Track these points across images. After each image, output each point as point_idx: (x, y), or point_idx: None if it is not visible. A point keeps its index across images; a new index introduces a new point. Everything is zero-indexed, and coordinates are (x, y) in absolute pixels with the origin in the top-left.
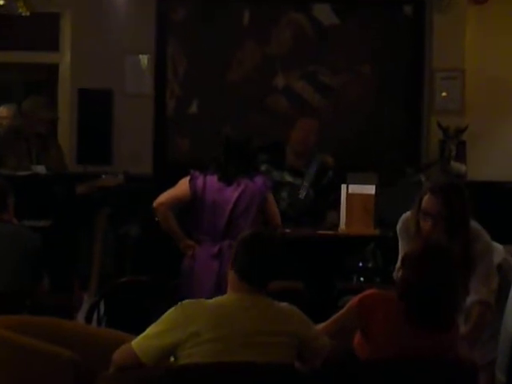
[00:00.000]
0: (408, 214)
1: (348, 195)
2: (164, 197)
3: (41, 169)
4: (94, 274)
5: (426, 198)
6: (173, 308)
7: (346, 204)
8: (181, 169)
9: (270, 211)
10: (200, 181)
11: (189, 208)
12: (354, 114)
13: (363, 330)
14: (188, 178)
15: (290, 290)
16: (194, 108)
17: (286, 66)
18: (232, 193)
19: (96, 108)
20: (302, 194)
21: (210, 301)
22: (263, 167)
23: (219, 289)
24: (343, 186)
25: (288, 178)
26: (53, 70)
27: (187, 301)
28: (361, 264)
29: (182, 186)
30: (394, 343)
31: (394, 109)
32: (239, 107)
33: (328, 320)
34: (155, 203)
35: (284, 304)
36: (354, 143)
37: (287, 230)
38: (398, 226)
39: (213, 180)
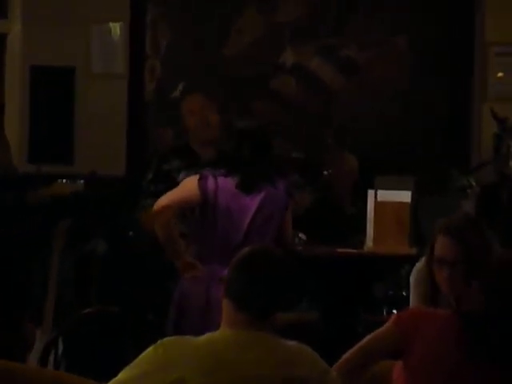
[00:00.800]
0: (421, 264)
1: (376, 204)
2: (169, 198)
3: None
4: (49, 305)
5: (438, 240)
6: (151, 347)
7: (375, 215)
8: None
9: (284, 226)
10: (211, 182)
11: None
12: (384, 100)
13: (404, 358)
14: (196, 177)
15: (301, 324)
16: (178, 92)
17: (296, 39)
18: (251, 200)
19: (53, 91)
20: None
21: (199, 338)
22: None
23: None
24: (370, 193)
25: None
26: None
27: (169, 338)
28: (392, 292)
29: (189, 187)
30: (444, 371)
31: (435, 94)
32: (236, 91)
33: (351, 349)
34: (157, 205)
35: (293, 343)
36: (384, 137)
37: (299, 248)
38: (411, 279)
39: (227, 183)
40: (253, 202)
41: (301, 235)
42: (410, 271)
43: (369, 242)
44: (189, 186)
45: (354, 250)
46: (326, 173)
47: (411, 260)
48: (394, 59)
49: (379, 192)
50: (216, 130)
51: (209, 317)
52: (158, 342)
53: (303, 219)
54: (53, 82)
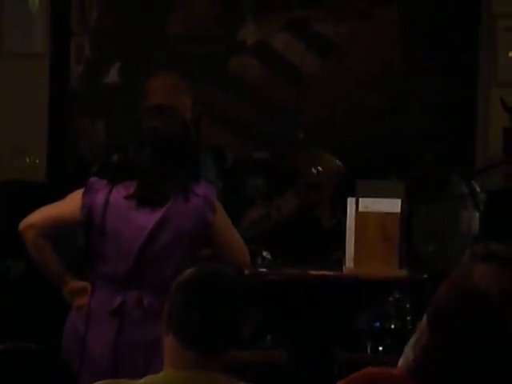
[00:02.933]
0: None
1: (358, 215)
2: (37, 216)
3: None
4: None
5: (477, 271)
6: None
7: (356, 229)
8: (92, 171)
9: (222, 242)
10: (100, 196)
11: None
12: (367, 87)
13: None
14: (82, 190)
15: (264, 364)
16: (113, 76)
17: (259, 10)
18: (148, 218)
19: None
20: None
21: (137, 382)
22: None
23: (117, 367)
24: (350, 201)
25: None
26: None
27: (103, 382)
28: (378, 324)
29: (71, 202)
30: None
31: (431, 77)
32: (185, 74)
33: None
34: (22, 224)
35: None
36: (368, 132)
37: (262, 270)
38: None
39: (119, 195)
40: (149, 221)
41: (265, 254)
42: (401, 299)
43: (349, 262)
44: (71, 200)
45: (331, 272)
46: (315, 171)
47: (401, 284)
48: (380, 36)
49: (361, 200)
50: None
51: (88, 353)
52: None
53: (267, 234)
54: None
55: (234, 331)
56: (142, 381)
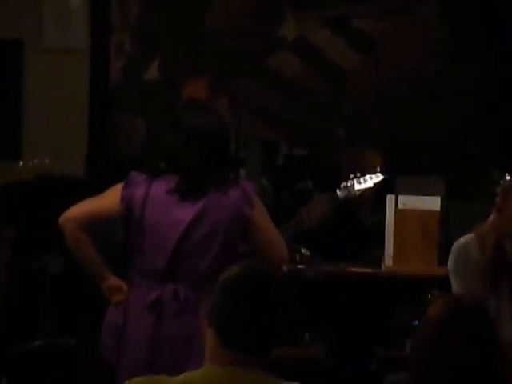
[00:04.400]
0: (468, 238)
1: (397, 212)
2: (77, 209)
3: None
4: None
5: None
6: None
7: (395, 226)
8: (131, 166)
9: (260, 239)
10: (141, 190)
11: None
12: (407, 83)
13: None
14: (122, 184)
15: (303, 361)
16: (153, 72)
17: (299, 7)
18: (187, 212)
19: None
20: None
21: (176, 379)
22: None
23: (155, 361)
24: (390, 198)
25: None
26: None
27: (138, 379)
28: (416, 321)
29: (111, 196)
30: None
31: (470, 72)
32: (225, 70)
33: None
34: (62, 217)
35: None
36: (407, 128)
37: (300, 267)
38: (452, 259)
39: (159, 189)
40: (188, 214)
41: (303, 251)
42: (439, 296)
43: (388, 260)
44: (111, 194)
45: (370, 270)
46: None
47: (440, 282)
48: (419, 31)
49: (401, 197)
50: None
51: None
52: (125, 382)
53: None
54: None
55: (276, 331)
56: (180, 376)
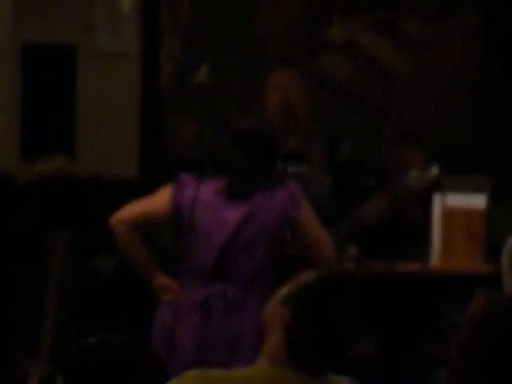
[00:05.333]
0: None
1: (444, 210)
2: (128, 210)
3: None
4: (46, 333)
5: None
6: (173, 381)
7: (442, 224)
8: (183, 167)
9: (307, 239)
10: (190, 191)
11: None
12: (453, 84)
13: None
14: (172, 186)
15: (354, 356)
16: (203, 74)
17: (347, 10)
18: (235, 212)
19: (50, 74)
20: (314, 184)
21: (231, 373)
22: None
23: (204, 359)
24: (436, 196)
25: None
26: None
27: (194, 373)
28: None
29: (161, 198)
30: None
31: None
32: (273, 73)
33: None
34: (112, 218)
35: (344, 380)
36: (453, 127)
37: (348, 265)
38: (506, 258)
39: (208, 191)
40: (236, 215)
41: (352, 249)
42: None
43: (435, 257)
44: (161, 196)
45: (417, 267)
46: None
47: (487, 279)
48: (467, 33)
49: (448, 195)
50: (299, 116)
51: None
52: (182, 375)
53: (354, 229)
54: (49, 62)
55: (344, 350)
56: (239, 371)
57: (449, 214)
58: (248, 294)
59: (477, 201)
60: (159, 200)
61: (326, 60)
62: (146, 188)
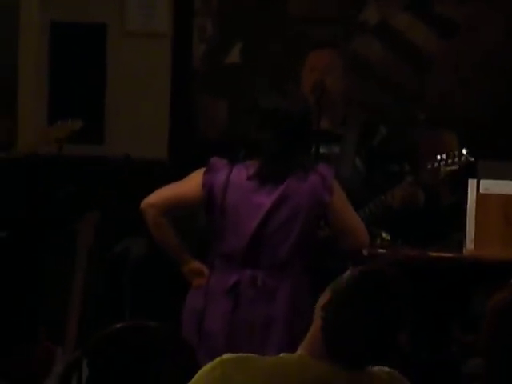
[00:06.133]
0: None
1: (479, 197)
2: (158, 195)
3: None
4: (72, 318)
5: None
6: (207, 366)
7: (477, 210)
8: (214, 150)
9: (340, 224)
10: (222, 175)
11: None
12: (490, 69)
13: None
14: (203, 170)
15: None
16: (235, 56)
17: None
18: (266, 197)
19: (79, 53)
20: (346, 167)
21: (267, 359)
22: None
23: (232, 344)
24: (471, 182)
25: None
26: None
27: (230, 356)
28: None
29: (192, 182)
30: None
31: None
32: (306, 55)
33: None
34: (143, 203)
35: (378, 369)
36: (490, 114)
37: (381, 251)
38: None
39: (240, 175)
40: (268, 199)
41: (384, 235)
42: None
43: (469, 244)
44: (192, 180)
45: (451, 254)
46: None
47: None
48: (502, 17)
49: (482, 182)
50: (334, 98)
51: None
52: (217, 360)
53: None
54: (79, 42)
55: (385, 348)
56: (273, 358)
57: (484, 200)
58: (279, 281)
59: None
60: (190, 184)
61: (360, 42)
62: (177, 170)
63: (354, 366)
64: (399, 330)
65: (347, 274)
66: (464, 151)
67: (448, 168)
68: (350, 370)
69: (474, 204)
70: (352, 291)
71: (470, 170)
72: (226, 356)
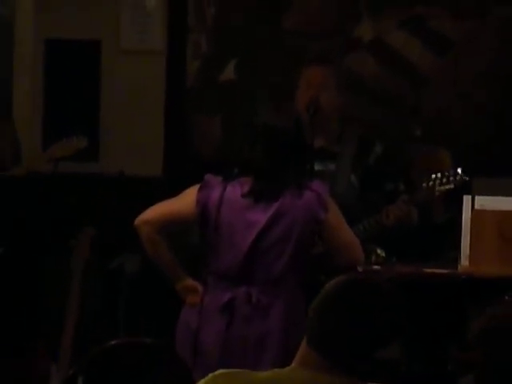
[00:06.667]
0: None
1: (474, 213)
2: (153, 211)
3: None
4: (67, 334)
5: None
6: (201, 382)
7: (471, 227)
8: (209, 167)
9: (335, 240)
10: (216, 193)
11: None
12: (484, 86)
13: None
14: (197, 187)
15: (380, 361)
16: (229, 72)
17: (375, 7)
18: (261, 214)
19: (74, 71)
20: (341, 184)
21: (260, 374)
22: None
23: (227, 361)
24: (466, 199)
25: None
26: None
27: (223, 372)
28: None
29: (186, 199)
30: None
31: None
32: (299, 71)
33: None
34: (137, 220)
35: None
36: (484, 131)
37: (376, 267)
38: None
39: (234, 192)
40: (262, 216)
41: (379, 251)
42: None
43: (464, 261)
44: (186, 197)
45: (446, 270)
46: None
47: None
48: (497, 34)
49: (478, 198)
50: (329, 115)
51: (199, 347)
52: (210, 375)
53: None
54: (73, 59)
55: (370, 345)
56: (266, 373)
57: (479, 217)
58: (273, 297)
59: (508, 203)
60: (185, 201)
61: (354, 58)
62: (171, 186)
63: (341, 370)
64: (384, 339)
65: (335, 280)
66: (459, 170)
67: (443, 187)
68: (341, 378)
69: (469, 220)
70: (335, 296)
71: (465, 187)
72: (218, 372)
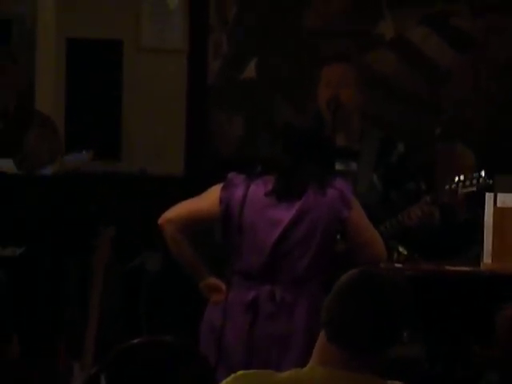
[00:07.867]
0: None
1: (496, 210)
2: (176, 210)
3: (6, 164)
4: (89, 333)
5: None
6: (222, 382)
7: (494, 224)
8: (230, 166)
9: (358, 238)
10: (239, 191)
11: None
12: (506, 82)
13: None
14: (221, 186)
15: (403, 360)
16: (250, 71)
17: (396, 5)
18: (284, 212)
19: (95, 70)
20: (363, 184)
21: (280, 375)
22: None
23: (251, 361)
24: (489, 196)
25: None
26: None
27: (245, 373)
28: None
29: (210, 197)
30: None
31: None
32: (321, 70)
33: None
34: (161, 218)
35: (391, 383)
36: (506, 127)
37: (398, 265)
38: None
39: (257, 191)
40: (286, 214)
41: (401, 249)
42: None
43: (487, 258)
44: (209, 195)
45: (468, 268)
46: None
47: None
48: None
49: (500, 196)
50: (350, 113)
51: (224, 346)
52: (231, 376)
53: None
54: (95, 58)
55: (389, 334)
56: (286, 373)
57: (501, 214)
58: (297, 296)
59: None
60: (208, 200)
61: (375, 55)
62: (193, 185)
63: (357, 359)
64: (401, 326)
65: (346, 274)
66: (483, 173)
67: (465, 190)
68: (358, 374)
69: (492, 218)
70: (352, 286)
71: (488, 189)
72: (239, 373)
